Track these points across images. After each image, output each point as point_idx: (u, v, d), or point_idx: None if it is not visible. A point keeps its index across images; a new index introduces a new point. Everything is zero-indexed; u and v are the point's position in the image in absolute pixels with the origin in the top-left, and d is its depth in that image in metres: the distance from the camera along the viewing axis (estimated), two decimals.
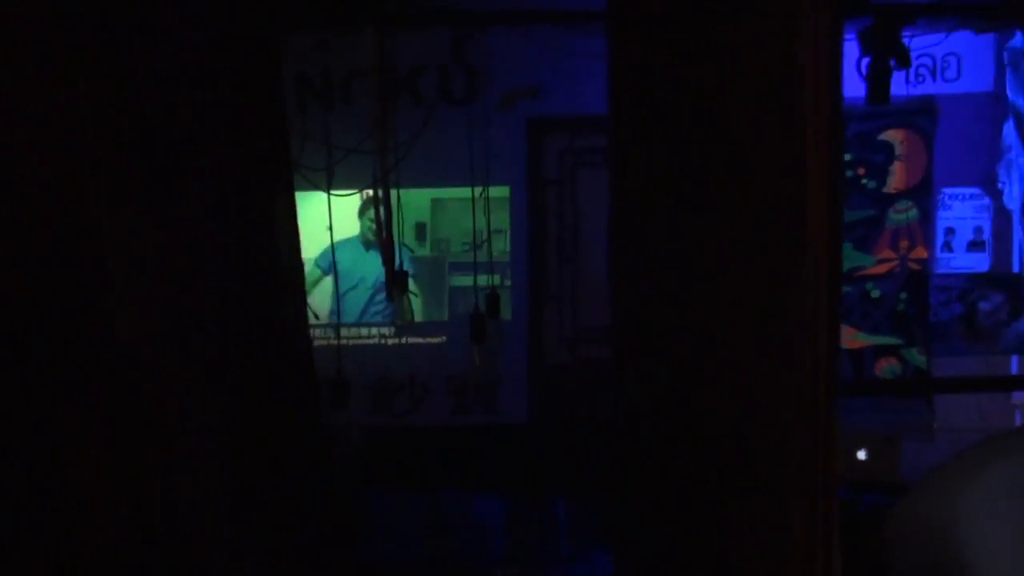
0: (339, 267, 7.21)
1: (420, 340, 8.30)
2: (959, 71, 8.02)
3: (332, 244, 6.77)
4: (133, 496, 3.25)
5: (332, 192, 6.77)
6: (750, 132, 2.91)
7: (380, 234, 5.86)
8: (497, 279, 7.76)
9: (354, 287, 7.84)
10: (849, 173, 7.94)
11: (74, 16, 3.02)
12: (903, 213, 8.03)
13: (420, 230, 8.94)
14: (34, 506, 3.05)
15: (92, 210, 2.98)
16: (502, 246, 8.12)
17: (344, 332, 7.63)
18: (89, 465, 3.07)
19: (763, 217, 2.98)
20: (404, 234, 7.47)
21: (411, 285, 7.69)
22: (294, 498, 4.36)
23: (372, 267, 7.50)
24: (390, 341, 8.31)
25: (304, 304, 4.35)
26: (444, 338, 8.36)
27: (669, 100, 3.43)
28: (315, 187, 6.77)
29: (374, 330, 8.31)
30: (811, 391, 2.64)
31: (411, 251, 8.02)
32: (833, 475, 2.62)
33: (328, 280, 7.55)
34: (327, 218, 6.77)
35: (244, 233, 3.96)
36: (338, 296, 6.72)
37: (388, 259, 5.88)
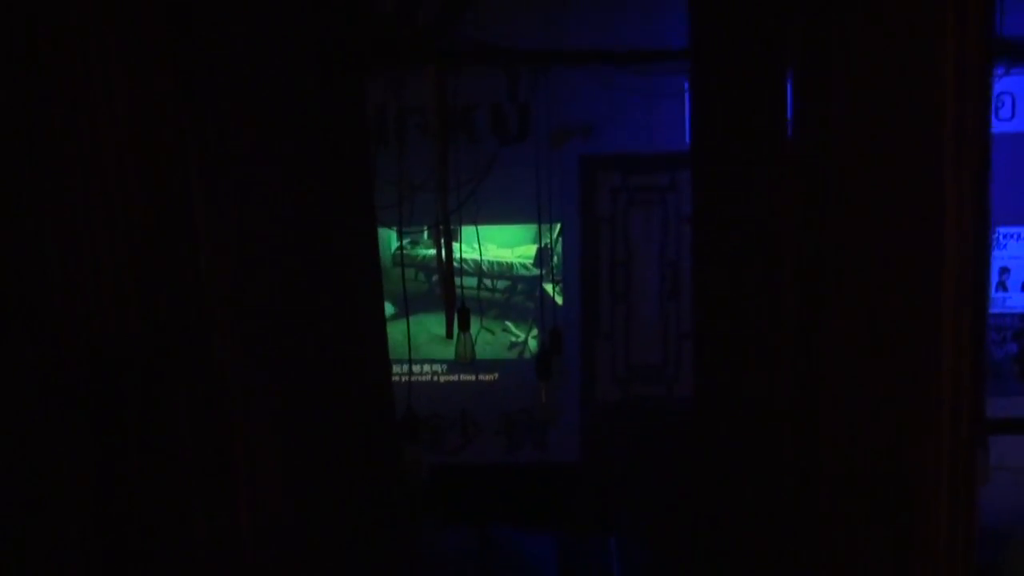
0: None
1: (472, 377, 8.32)
2: (1013, 110, 8.00)
3: (403, 280, 6.79)
4: (219, 511, 3.25)
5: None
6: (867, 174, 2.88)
7: (442, 272, 5.88)
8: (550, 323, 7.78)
9: None
10: None
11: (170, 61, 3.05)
12: None
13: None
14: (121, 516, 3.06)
15: (194, 244, 3.00)
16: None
17: (395, 368, 7.64)
18: (179, 477, 3.07)
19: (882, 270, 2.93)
20: None
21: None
22: (368, 526, 4.36)
23: None
24: (443, 378, 8.32)
25: (385, 340, 4.37)
26: (496, 375, 8.37)
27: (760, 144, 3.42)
28: (384, 224, 6.81)
29: (427, 367, 8.33)
30: (941, 424, 2.61)
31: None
32: (973, 526, 2.58)
33: None
34: None
35: (331, 270, 3.99)
36: (408, 332, 6.72)
37: (449, 297, 5.89)
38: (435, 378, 8.30)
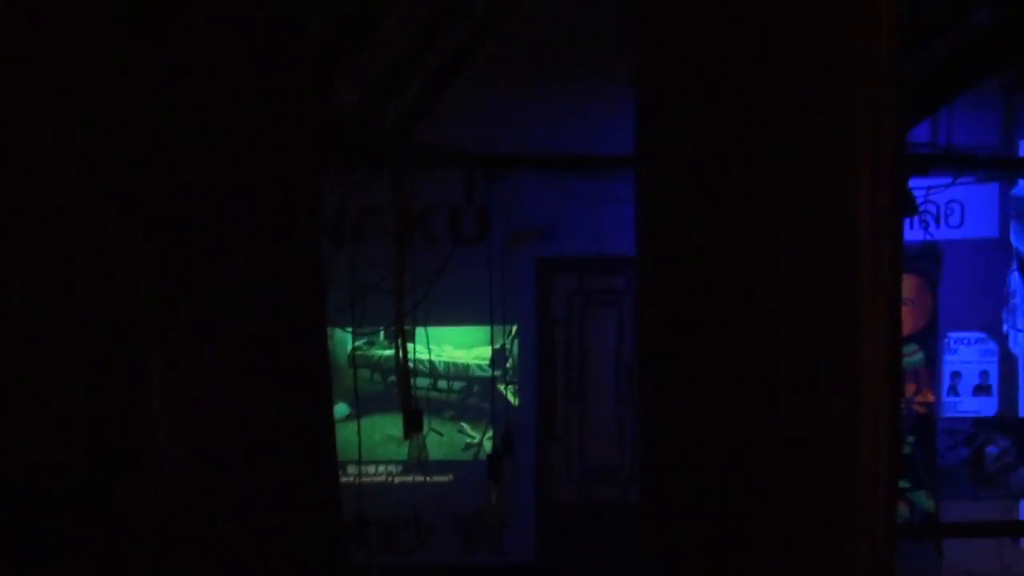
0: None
1: (426, 479, 8.28)
2: (963, 218, 8.16)
3: (355, 380, 6.80)
4: None
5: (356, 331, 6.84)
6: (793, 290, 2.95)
7: (399, 373, 5.89)
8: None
9: None
10: None
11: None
12: (909, 357, 8.10)
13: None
14: None
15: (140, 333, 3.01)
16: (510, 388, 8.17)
17: (350, 468, 7.60)
18: None
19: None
20: None
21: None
22: None
23: None
24: (397, 479, 8.28)
25: (334, 442, 4.35)
26: (451, 476, 8.34)
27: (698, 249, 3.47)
28: (338, 325, 6.84)
29: (381, 467, 8.29)
30: (865, 540, 2.64)
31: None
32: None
33: None
34: None
35: (280, 371, 3.99)
36: (359, 432, 6.71)
37: (405, 397, 5.90)
38: (389, 479, 8.26)
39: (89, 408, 2.99)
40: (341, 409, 7.32)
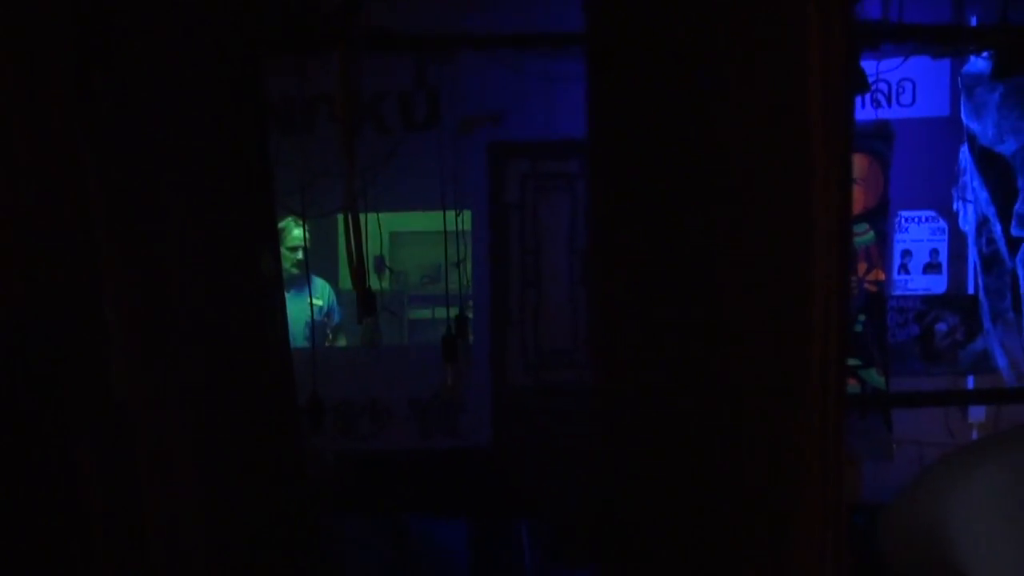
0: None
1: (381, 364, 8.29)
2: (914, 96, 8.16)
3: (307, 267, 6.78)
4: (123, 528, 3.23)
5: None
6: (744, 162, 2.94)
7: (351, 257, 5.87)
8: (456, 309, 7.78)
9: None
10: None
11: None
12: (860, 236, 8.15)
13: (378, 263, 8.99)
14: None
15: (89, 227, 2.98)
16: (464, 275, 8.13)
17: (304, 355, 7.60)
18: (83, 492, 3.05)
19: (769, 250, 3.00)
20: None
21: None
22: (272, 522, 4.35)
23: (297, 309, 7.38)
24: (353, 363, 8.30)
25: (285, 328, 4.35)
26: (406, 361, 8.39)
27: (648, 129, 3.45)
28: (288, 211, 6.79)
29: (336, 353, 8.30)
30: (816, 408, 2.67)
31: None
32: (842, 495, 2.66)
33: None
34: None
35: (226, 256, 3.97)
36: (313, 319, 6.69)
37: (359, 281, 5.88)
38: (345, 363, 8.27)
39: (34, 298, 2.97)
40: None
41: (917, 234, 8.34)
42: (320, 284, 8.65)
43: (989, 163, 7.86)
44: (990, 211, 7.91)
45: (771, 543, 2.82)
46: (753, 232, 2.82)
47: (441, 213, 7.63)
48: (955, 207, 8.21)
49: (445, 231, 7.66)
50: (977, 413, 8.25)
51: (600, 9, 3.78)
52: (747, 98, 2.81)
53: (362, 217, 6.19)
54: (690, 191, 3.21)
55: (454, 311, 7.70)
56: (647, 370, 3.54)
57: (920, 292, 8.39)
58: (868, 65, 7.39)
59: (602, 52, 3.79)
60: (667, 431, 3.36)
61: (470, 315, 7.87)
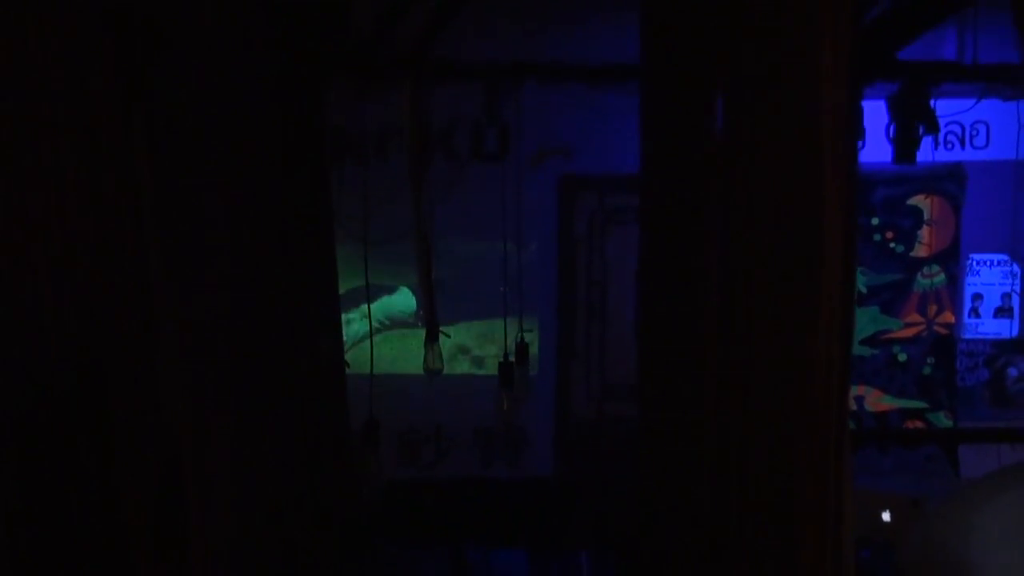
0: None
1: (447, 391, 8.31)
2: (987, 139, 8.09)
3: (368, 291, 6.85)
4: (164, 542, 3.29)
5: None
6: (772, 188, 2.98)
7: (422, 282, 5.95)
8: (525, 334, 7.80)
9: None
10: (877, 237, 8.03)
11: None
12: (931, 278, 8.09)
13: None
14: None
15: (141, 236, 3.04)
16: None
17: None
18: (122, 512, 3.10)
19: (781, 271, 3.04)
20: None
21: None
22: (318, 544, 4.41)
23: None
24: (416, 390, 8.34)
25: (341, 348, 4.43)
26: (470, 389, 8.42)
27: (695, 160, 3.51)
28: (353, 236, 6.88)
29: (399, 380, 8.35)
30: (824, 436, 2.69)
31: None
32: (846, 515, 2.66)
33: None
34: None
35: (280, 274, 4.05)
36: (372, 343, 6.77)
37: (428, 307, 5.97)
38: (408, 390, 8.31)
39: (85, 313, 3.02)
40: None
41: (988, 278, 8.25)
42: None
43: None
44: None
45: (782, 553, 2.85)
46: (770, 274, 2.88)
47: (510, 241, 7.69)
48: None
49: (506, 260, 7.70)
50: None
51: (652, 40, 3.85)
52: (767, 112, 2.85)
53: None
54: (726, 225, 3.25)
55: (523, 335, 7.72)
56: (689, 399, 3.58)
57: (991, 336, 8.29)
58: (943, 107, 7.35)
59: (653, 80, 3.86)
60: (701, 459, 3.39)
61: (528, 343, 7.86)
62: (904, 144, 6.91)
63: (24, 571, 2.93)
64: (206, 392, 3.64)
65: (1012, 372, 8.23)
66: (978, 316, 8.31)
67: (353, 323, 7.37)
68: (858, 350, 8.01)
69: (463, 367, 8.41)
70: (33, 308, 2.88)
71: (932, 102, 6.99)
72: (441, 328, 7.39)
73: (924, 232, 8.08)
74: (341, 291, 5.30)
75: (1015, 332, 8.28)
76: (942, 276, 8.13)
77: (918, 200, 8.05)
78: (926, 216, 8.07)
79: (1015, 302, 8.27)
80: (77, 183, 2.86)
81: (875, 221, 8.00)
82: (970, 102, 7.70)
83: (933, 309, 8.16)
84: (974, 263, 8.25)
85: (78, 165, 2.90)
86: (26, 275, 2.87)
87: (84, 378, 2.98)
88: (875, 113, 6.97)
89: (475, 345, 8.43)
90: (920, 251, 8.11)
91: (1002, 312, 8.29)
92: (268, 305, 4.03)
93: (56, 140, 2.83)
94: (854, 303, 2.79)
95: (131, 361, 3.13)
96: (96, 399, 3.01)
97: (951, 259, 8.14)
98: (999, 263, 8.23)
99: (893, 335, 8.14)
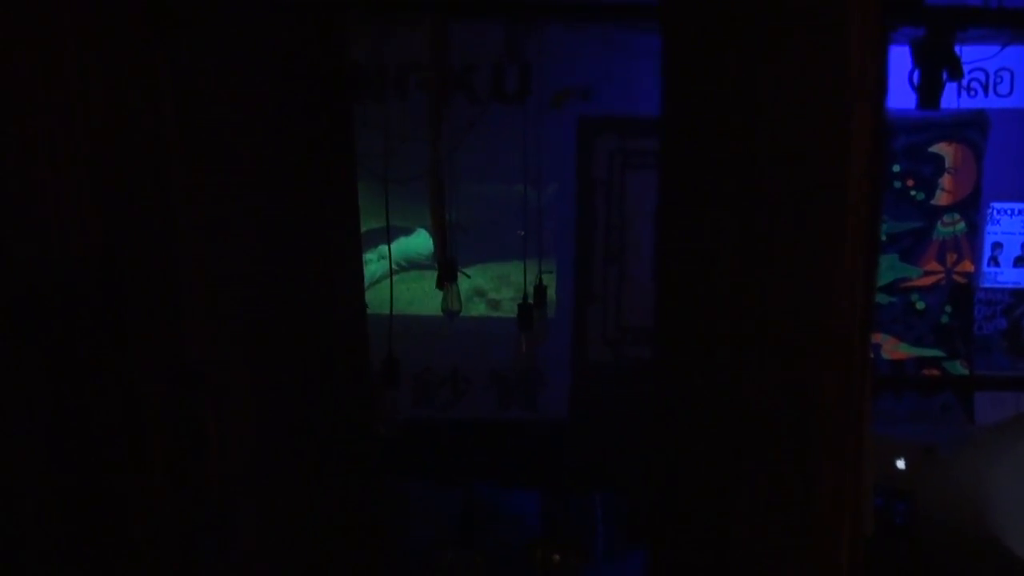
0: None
1: (465, 332, 8.30)
2: (1012, 86, 8.00)
3: (388, 230, 6.80)
4: (185, 453, 3.31)
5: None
6: (797, 135, 2.96)
7: (436, 222, 5.92)
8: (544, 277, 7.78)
9: None
10: (898, 184, 7.97)
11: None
12: (951, 226, 8.04)
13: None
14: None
15: (165, 173, 3.05)
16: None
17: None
18: (142, 417, 3.13)
19: (805, 218, 3.02)
20: None
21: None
22: (336, 476, 4.43)
23: None
24: (434, 331, 8.34)
25: (362, 289, 4.43)
26: (488, 332, 8.41)
27: (719, 101, 3.48)
28: (371, 174, 6.84)
29: (418, 321, 8.35)
30: (847, 385, 2.69)
31: None
32: (865, 455, 2.67)
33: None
34: None
35: (302, 212, 4.05)
36: (392, 282, 6.74)
37: (441, 247, 5.95)
38: (426, 331, 8.31)
39: (105, 220, 3.03)
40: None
41: (1009, 226, 8.20)
42: None
43: None
44: None
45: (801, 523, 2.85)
46: (795, 222, 2.86)
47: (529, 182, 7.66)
48: None
49: (525, 202, 7.67)
50: None
51: None
52: (791, 67, 2.83)
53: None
54: (752, 172, 3.23)
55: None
56: (710, 346, 3.57)
57: (1010, 285, 8.25)
58: (968, 54, 7.28)
59: (676, 24, 3.82)
60: (720, 407, 3.39)
61: (546, 286, 7.83)
62: (928, 90, 6.86)
63: (46, 455, 2.99)
64: (223, 301, 3.66)
65: None
66: (997, 265, 8.27)
67: (371, 263, 7.33)
68: (876, 298, 7.98)
69: (479, 309, 8.40)
70: (56, 204, 2.91)
71: (956, 48, 6.93)
72: (461, 269, 7.38)
73: (945, 180, 8.02)
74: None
75: None
76: (962, 224, 8.09)
77: (940, 147, 7.98)
78: (947, 164, 8.00)
79: None
80: (104, 89, 2.86)
81: (896, 168, 7.94)
82: (995, 48, 7.62)
83: (952, 257, 8.12)
84: (995, 212, 8.20)
85: (104, 71, 2.90)
86: (47, 172, 2.89)
87: (103, 273, 3.01)
88: (899, 59, 6.91)
89: (491, 288, 8.42)
90: (941, 199, 8.05)
91: (1021, 261, 8.25)
92: (288, 233, 4.03)
93: (84, 43, 2.83)
94: (879, 247, 2.77)
95: (150, 261, 3.15)
96: (113, 294, 3.04)
97: (971, 207, 8.09)
98: (1020, 212, 8.18)
99: (911, 283, 8.10)
